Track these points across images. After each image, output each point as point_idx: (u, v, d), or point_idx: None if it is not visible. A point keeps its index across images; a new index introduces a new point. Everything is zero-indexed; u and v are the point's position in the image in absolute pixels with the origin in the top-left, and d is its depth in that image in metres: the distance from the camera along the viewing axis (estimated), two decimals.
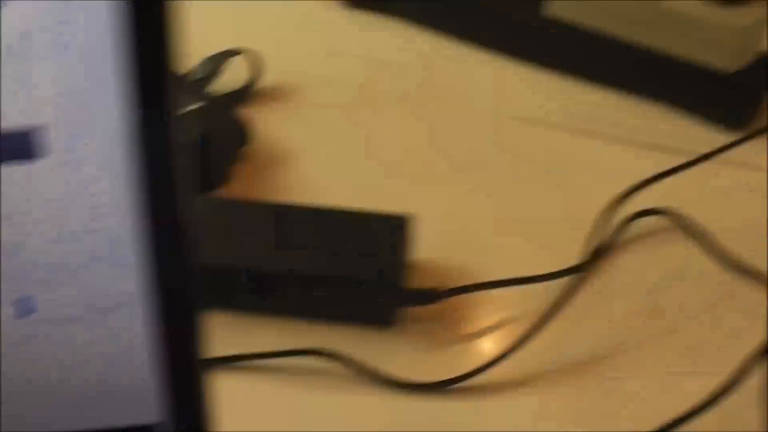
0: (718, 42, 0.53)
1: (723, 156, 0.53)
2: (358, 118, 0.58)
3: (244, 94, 0.59)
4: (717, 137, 0.54)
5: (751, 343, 0.42)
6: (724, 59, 0.54)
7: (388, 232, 0.46)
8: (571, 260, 0.47)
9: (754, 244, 0.49)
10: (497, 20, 0.61)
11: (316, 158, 0.55)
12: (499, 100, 0.59)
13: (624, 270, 0.48)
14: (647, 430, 0.40)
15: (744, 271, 0.47)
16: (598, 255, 0.48)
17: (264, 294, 0.45)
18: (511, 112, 0.58)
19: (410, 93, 0.60)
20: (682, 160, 0.52)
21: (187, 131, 0.23)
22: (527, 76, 0.61)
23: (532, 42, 0.60)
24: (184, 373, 0.27)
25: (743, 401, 0.41)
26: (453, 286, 0.46)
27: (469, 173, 0.54)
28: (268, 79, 0.60)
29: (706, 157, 0.52)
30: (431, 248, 0.48)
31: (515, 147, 0.56)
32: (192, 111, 0.55)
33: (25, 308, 0.25)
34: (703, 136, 0.55)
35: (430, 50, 0.63)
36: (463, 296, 0.46)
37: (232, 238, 0.45)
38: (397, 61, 0.62)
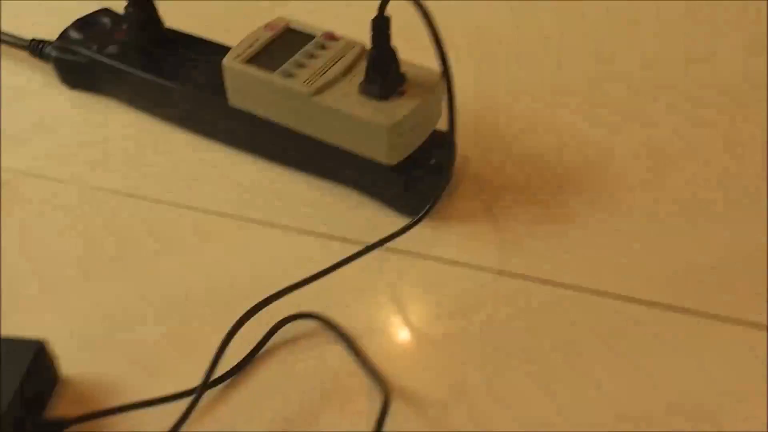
0: (371, 137, 0.53)
1: (388, 246, 0.54)
2: (49, 212, 0.58)
3: None
4: (396, 225, 0.55)
5: None
6: (379, 154, 0.54)
7: (19, 358, 0.47)
8: (218, 370, 0.48)
9: (404, 342, 0.51)
10: (193, 106, 0.61)
11: None
12: (189, 188, 0.59)
13: (266, 377, 0.49)
14: None
15: (373, 374, 0.48)
16: (243, 363, 0.49)
17: None
18: (193, 201, 0.58)
19: (100, 176, 0.60)
20: (352, 250, 0.53)
21: None
22: (225, 161, 0.61)
23: (224, 127, 0.61)
24: None
25: None
26: (83, 413, 0.46)
27: (123, 272, 0.54)
28: None
29: (361, 253, 0.52)
30: (78, 368, 0.49)
31: (191, 237, 0.56)
32: None
33: None
34: (385, 225, 0.56)
35: (137, 132, 0.63)
36: (97, 420, 0.47)
37: None
38: (102, 144, 0.62)
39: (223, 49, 0.60)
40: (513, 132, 0.62)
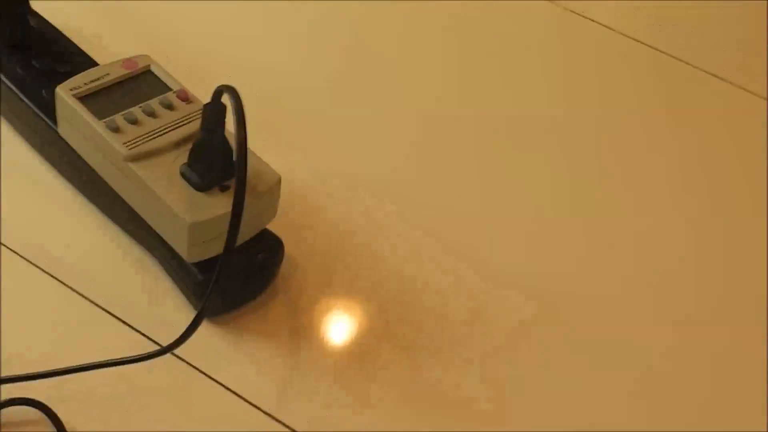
0: (174, 228, 0.47)
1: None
2: None
3: None
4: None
5: None
6: (180, 248, 0.48)
7: None
8: None
9: None
10: (30, 121, 0.55)
11: None
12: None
13: None
14: None
15: None
16: None
17: None
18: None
19: None
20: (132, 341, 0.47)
21: None
22: (48, 190, 0.55)
23: (55, 155, 0.55)
24: None
25: None
26: None
27: None
28: None
29: (121, 362, 0.46)
30: None
31: None
32: None
33: None
34: (180, 321, 0.49)
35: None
36: None
37: None
38: None
39: (90, 64, 0.55)
40: (372, 261, 0.56)
